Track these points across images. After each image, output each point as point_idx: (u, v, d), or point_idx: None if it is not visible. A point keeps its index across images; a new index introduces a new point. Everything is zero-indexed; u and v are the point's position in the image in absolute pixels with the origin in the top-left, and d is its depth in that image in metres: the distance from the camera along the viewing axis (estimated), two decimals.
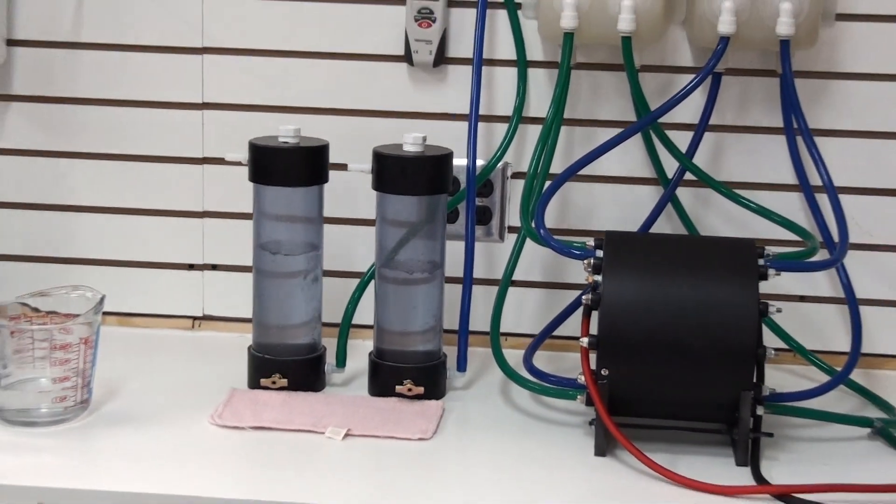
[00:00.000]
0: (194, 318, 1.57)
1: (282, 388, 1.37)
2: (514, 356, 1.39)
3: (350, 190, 1.42)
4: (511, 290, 1.43)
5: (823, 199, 1.40)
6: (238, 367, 1.40)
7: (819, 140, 1.40)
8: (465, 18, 1.46)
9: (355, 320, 1.44)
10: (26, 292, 1.32)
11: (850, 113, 1.45)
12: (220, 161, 1.47)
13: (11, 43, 1.50)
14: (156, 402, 1.34)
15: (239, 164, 1.37)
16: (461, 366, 1.42)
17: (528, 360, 1.37)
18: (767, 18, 1.37)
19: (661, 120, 1.41)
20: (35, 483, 1.17)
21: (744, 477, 1.21)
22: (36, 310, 1.30)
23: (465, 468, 1.24)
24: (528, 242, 1.40)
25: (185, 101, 1.51)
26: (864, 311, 1.40)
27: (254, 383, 1.38)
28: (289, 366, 1.38)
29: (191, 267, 1.55)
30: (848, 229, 1.36)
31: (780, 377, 1.43)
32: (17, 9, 1.49)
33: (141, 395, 1.36)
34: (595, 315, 1.25)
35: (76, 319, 1.28)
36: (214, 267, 1.55)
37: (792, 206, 1.46)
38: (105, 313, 1.32)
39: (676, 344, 1.22)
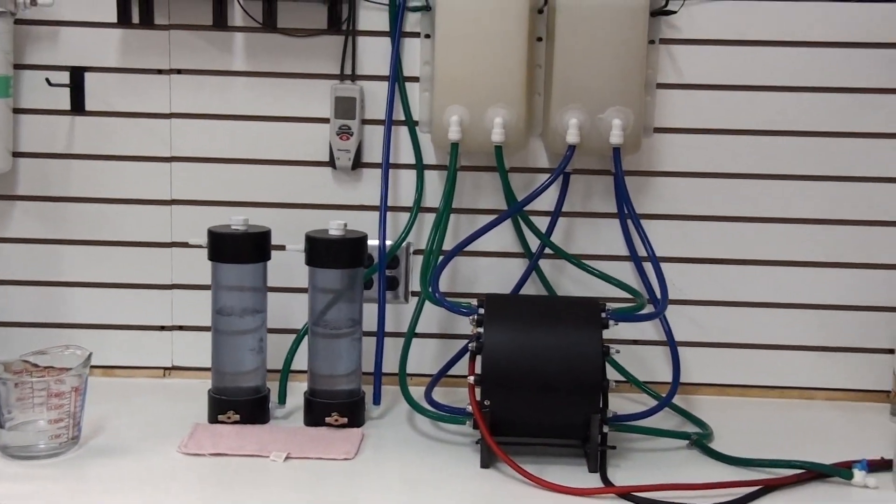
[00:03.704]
0: (165, 369, 1.52)
1: (235, 422, 1.34)
2: (417, 392, 1.38)
3: (288, 265, 1.40)
4: (414, 341, 1.42)
5: (648, 267, 1.43)
6: (200, 406, 1.37)
7: (644, 222, 1.43)
8: (375, 133, 1.46)
9: (293, 367, 1.41)
10: (28, 351, 1.28)
11: (666, 201, 1.48)
12: (184, 245, 1.44)
13: (16, 154, 1.46)
14: (134, 436, 1.30)
15: (200, 246, 1.35)
16: (376, 400, 1.40)
17: (428, 395, 1.36)
18: (603, 132, 1.39)
19: (525, 208, 1.43)
20: None
21: (595, 481, 1.21)
22: (35, 365, 1.26)
23: (382, 480, 1.22)
24: (427, 304, 1.39)
25: (156, 199, 1.48)
26: (681, 350, 1.41)
27: (213, 419, 1.35)
28: (240, 404, 1.34)
29: (162, 328, 1.52)
30: (667, 289, 1.38)
31: (620, 402, 1.43)
32: (20, 127, 1.46)
33: (122, 431, 1.31)
34: (479, 358, 1.25)
35: (68, 372, 1.24)
36: (181, 328, 1.52)
37: (625, 272, 1.48)
38: (92, 367, 1.28)
39: (541, 379, 1.23)
